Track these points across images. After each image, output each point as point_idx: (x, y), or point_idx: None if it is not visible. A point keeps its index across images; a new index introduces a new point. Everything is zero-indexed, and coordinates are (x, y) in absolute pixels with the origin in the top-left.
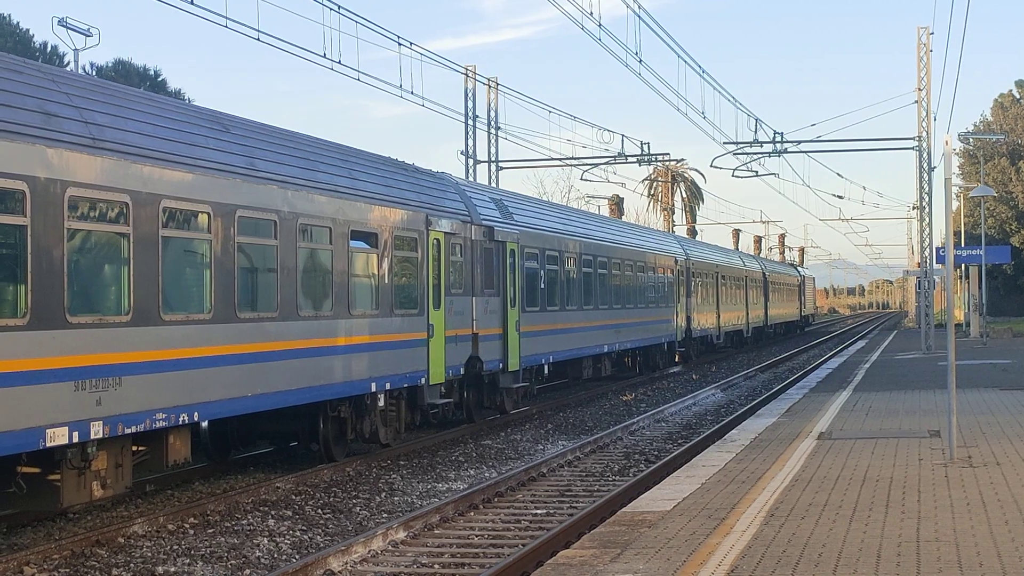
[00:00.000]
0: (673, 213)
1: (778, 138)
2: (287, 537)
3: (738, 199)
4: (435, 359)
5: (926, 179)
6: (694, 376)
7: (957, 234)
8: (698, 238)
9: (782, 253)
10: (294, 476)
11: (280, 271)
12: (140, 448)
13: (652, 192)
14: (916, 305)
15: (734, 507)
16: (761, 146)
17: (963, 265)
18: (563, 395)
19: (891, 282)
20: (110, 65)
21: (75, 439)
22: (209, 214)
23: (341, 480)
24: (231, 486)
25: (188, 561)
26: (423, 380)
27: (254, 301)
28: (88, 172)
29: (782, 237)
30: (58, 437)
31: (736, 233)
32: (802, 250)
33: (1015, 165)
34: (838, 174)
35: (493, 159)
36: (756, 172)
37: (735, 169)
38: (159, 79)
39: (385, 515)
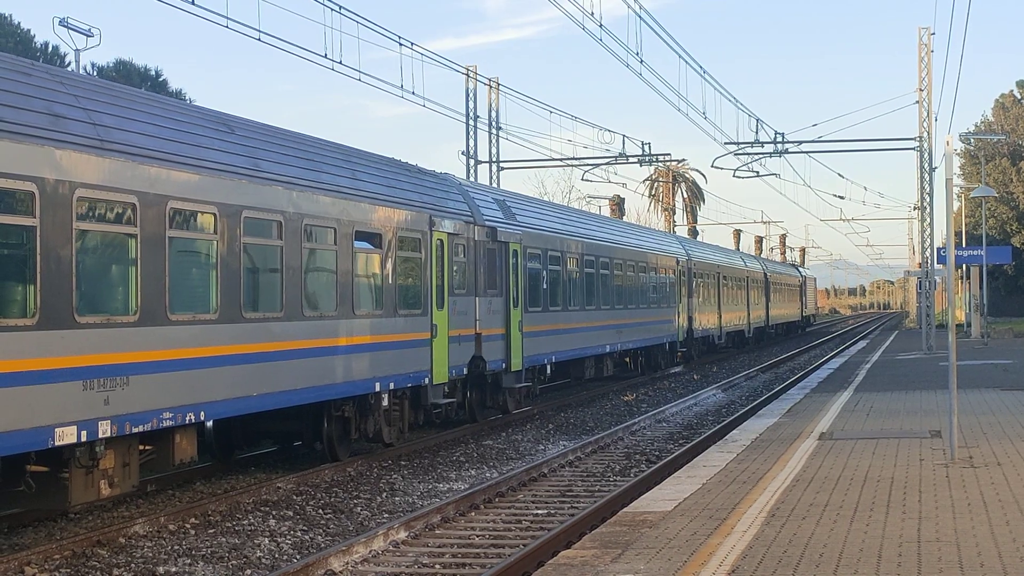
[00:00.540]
0: (674, 213)
1: (779, 138)
2: (288, 537)
3: (739, 199)
4: (438, 359)
5: (927, 179)
6: (695, 376)
7: (958, 234)
8: (699, 238)
9: (783, 253)
10: (295, 476)
11: (285, 271)
12: (146, 447)
13: (653, 192)
14: (917, 305)
15: (735, 507)
16: (762, 146)
17: (964, 265)
18: (564, 395)
19: (892, 282)
20: (111, 65)
21: (83, 438)
22: (215, 215)
23: (342, 480)
24: (232, 486)
25: (189, 561)
26: (426, 380)
27: (259, 301)
28: (96, 173)
29: (783, 237)
30: (67, 436)
31: (737, 233)
32: (803, 250)
33: (1016, 165)
34: (839, 174)
35: (494, 159)
36: (757, 172)
37: (736, 169)
38: (160, 79)
39: (386, 515)
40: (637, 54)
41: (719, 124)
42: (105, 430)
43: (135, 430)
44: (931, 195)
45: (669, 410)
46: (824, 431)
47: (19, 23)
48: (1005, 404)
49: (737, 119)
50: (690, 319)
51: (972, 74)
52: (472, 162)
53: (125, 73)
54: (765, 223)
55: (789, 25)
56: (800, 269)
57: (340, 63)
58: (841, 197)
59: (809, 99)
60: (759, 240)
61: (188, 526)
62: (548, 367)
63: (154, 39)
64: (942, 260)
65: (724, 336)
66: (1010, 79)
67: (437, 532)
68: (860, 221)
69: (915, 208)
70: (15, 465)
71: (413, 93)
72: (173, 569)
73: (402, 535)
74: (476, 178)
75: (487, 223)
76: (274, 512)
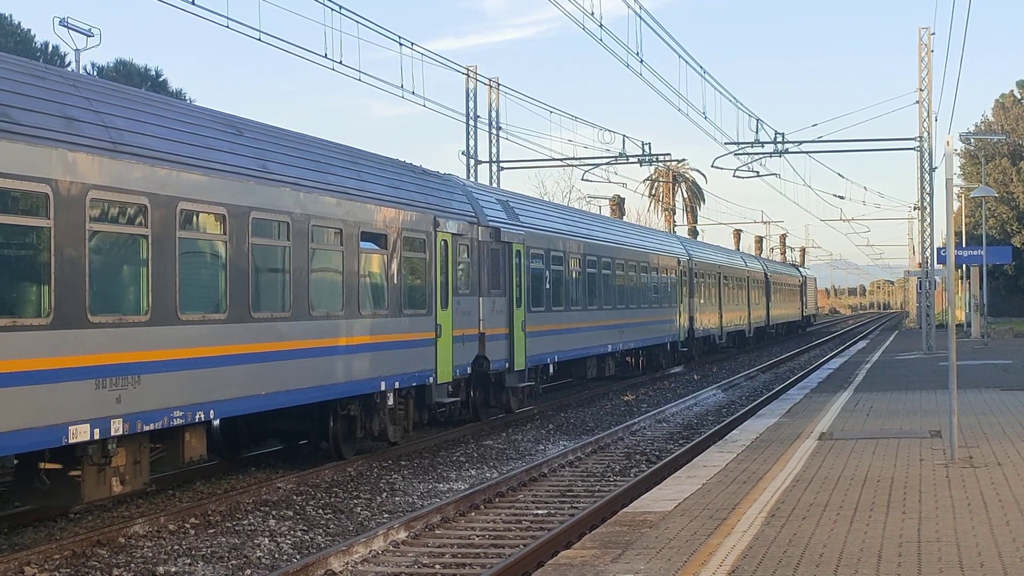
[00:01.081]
0: (674, 213)
1: (779, 138)
2: (288, 537)
3: (739, 199)
4: (443, 358)
5: (927, 179)
6: (695, 376)
7: (958, 234)
8: (699, 238)
9: (783, 253)
10: (295, 476)
11: (292, 272)
12: (156, 445)
13: (653, 192)
14: (917, 305)
15: (735, 507)
16: (762, 146)
17: (964, 265)
18: (564, 395)
19: (892, 282)
20: (111, 65)
21: (96, 436)
22: (224, 216)
23: (342, 480)
24: (232, 486)
25: (189, 561)
26: (431, 379)
27: (267, 301)
28: (108, 175)
29: (783, 237)
30: (80, 434)
31: (737, 233)
32: (803, 250)
33: (1016, 165)
34: (839, 174)
35: (494, 159)
36: (757, 172)
37: (736, 169)
38: (160, 79)
39: (386, 515)
40: (637, 54)
41: (719, 124)
42: (117, 428)
43: (146, 428)
44: (931, 195)
45: (669, 410)
46: (824, 431)
47: (19, 23)
48: (1005, 404)
49: (737, 119)
50: (691, 319)
51: (972, 74)
52: (472, 162)
53: (125, 73)
54: (765, 223)
55: (789, 25)
56: (800, 269)
57: (340, 63)
58: (841, 197)
59: (809, 99)
60: (759, 240)
61: (188, 526)
62: (551, 367)
63: (154, 39)
64: (942, 260)
65: (725, 336)
66: (1010, 79)
67: (437, 532)
68: (860, 221)
69: (915, 208)
70: (29, 462)
71: (413, 93)
72: (173, 569)
73: (402, 535)
74: (476, 178)
75: (491, 224)
76: (274, 512)
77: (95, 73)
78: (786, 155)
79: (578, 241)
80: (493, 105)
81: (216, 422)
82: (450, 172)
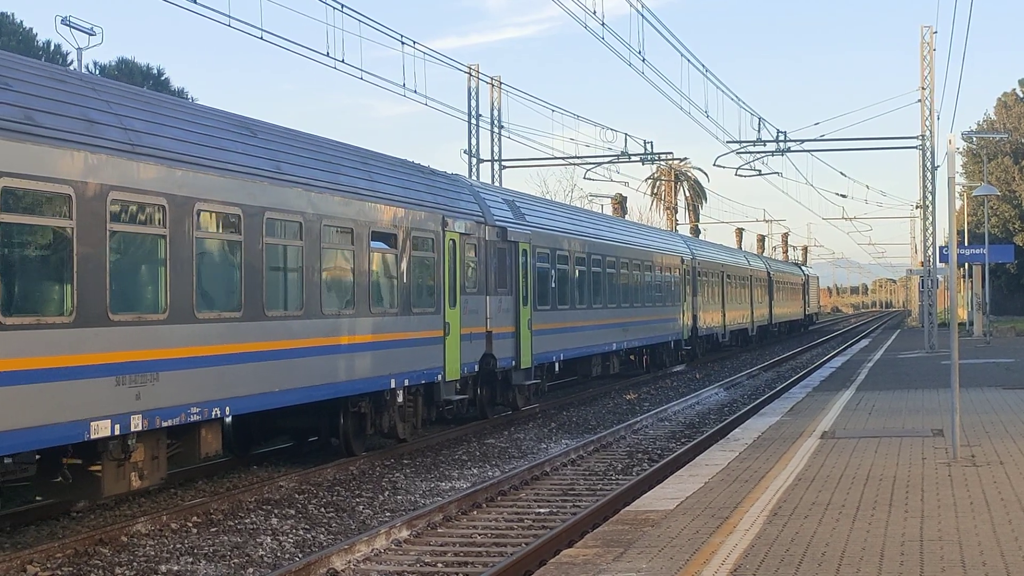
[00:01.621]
0: (676, 212)
1: (781, 137)
2: (290, 536)
3: (741, 198)
4: (451, 356)
5: (929, 178)
6: (698, 375)
7: (960, 233)
8: (701, 237)
9: (785, 252)
10: (297, 475)
11: (305, 271)
12: (171, 441)
13: (655, 191)
14: (919, 304)
15: (737, 506)
16: (764, 145)
17: (966, 264)
18: (566, 394)
19: (894, 281)
20: (113, 64)
21: (117, 431)
22: (239, 216)
23: (344, 479)
24: (234, 485)
25: (191, 560)
26: (440, 377)
27: (281, 300)
28: (128, 176)
29: (785, 236)
30: (101, 429)
31: (739, 232)
32: (805, 249)
33: (1018, 164)
34: (841, 173)
35: (496, 158)
36: (759, 171)
37: (738, 168)
38: (162, 78)
39: (388, 514)
40: (639, 53)
41: (721, 123)
42: (137, 424)
43: (165, 424)
44: (933, 194)
45: (671, 409)
46: (826, 430)
47: (21, 21)
48: (1007, 403)
49: (739, 118)
50: (695, 317)
51: (974, 72)
52: (474, 161)
53: (127, 72)
54: (767, 222)
55: (791, 24)
56: (803, 268)
57: (342, 62)
58: (843, 196)
59: (811, 98)
60: (761, 239)
61: (190, 525)
62: (556, 365)
63: (156, 38)
64: (944, 259)
65: (728, 334)
66: (1012, 77)
67: (439, 531)
68: (862, 220)
69: (917, 207)
70: (50, 458)
71: (415, 92)
72: (175, 568)
73: (404, 534)
74: (478, 177)
75: (497, 223)
76: (276, 511)
77: (97, 72)
78: (788, 154)
79: (583, 240)
80: (495, 104)
81: (229, 419)
82: (452, 171)
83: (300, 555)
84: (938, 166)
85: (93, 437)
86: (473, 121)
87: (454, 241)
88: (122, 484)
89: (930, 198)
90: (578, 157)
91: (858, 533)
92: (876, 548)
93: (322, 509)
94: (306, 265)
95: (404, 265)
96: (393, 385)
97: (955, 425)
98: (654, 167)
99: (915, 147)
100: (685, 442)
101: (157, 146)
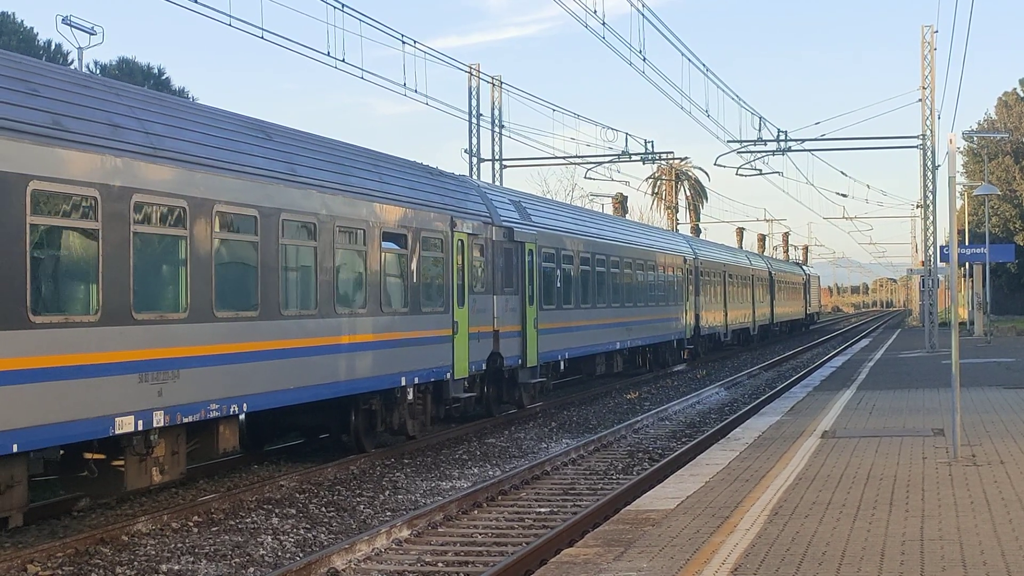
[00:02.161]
0: (677, 212)
1: (782, 136)
2: (291, 535)
3: (742, 197)
4: (459, 355)
5: (930, 177)
6: (699, 374)
7: (961, 232)
8: (702, 236)
9: (786, 252)
10: (298, 474)
11: (319, 271)
12: (189, 437)
13: (656, 190)
14: (920, 303)
15: (738, 505)
16: (765, 144)
17: (967, 263)
18: (566, 393)
19: (895, 280)
20: (114, 63)
21: (140, 427)
22: (256, 218)
23: (345, 478)
24: (235, 484)
25: (192, 559)
26: (448, 375)
27: (296, 299)
28: (151, 179)
29: (786, 235)
30: (125, 425)
31: (740, 232)
32: (806, 248)
33: (1019, 163)
34: (842, 172)
35: (497, 157)
36: (760, 170)
37: (739, 167)
38: (163, 77)
39: (389, 513)
40: (640, 52)
41: (722, 122)
42: (159, 420)
43: (185, 420)
44: (934, 193)
45: (672, 408)
46: (827, 429)
47: (22, 21)
48: (1008, 402)
49: (740, 117)
50: (697, 317)
51: (975, 72)
52: (475, 160)
53: (128, 71)
54: (768, 221)
55: (792, 23)
56: (804, 268)
57: (343, 61)
58: (844, 195)
59: (812, 97)
60: (762, 238)
61: (191, 524)
62: (561, 363)
63: (157, 37)
64: (945, 258)
65: (730, 333)
66: (1013, 77)
67: (440, 530)
68: (863, 219)
69: (918, 206)
70: (73, 453)
71: (416, 91)
72: (176, 567)
73: (405, 533)
74: (479, 176)
75: (504, 223)
76: (277, 510)
77: (98, 71)
78: (789, 153)
79: (588, 240)
80: (496, 103)
81: (242, 416)
82: (452, 170)
83: (301, 554)
84: (939, 165)
85: (117, 432)
86: (474, 120)
87: (462, 241)
88: (144, 479)
89: (931, 197)
90: (579, 157)
91: (859, 532)
92: (877, 547)
93: (323, 508)
94: (320, 265)
95: (414, 265)
96: (403, 383)
97: (956, 424)
98: (655, 167)
99: (916, 146)
100: (686, 441)
101: (178, 149)
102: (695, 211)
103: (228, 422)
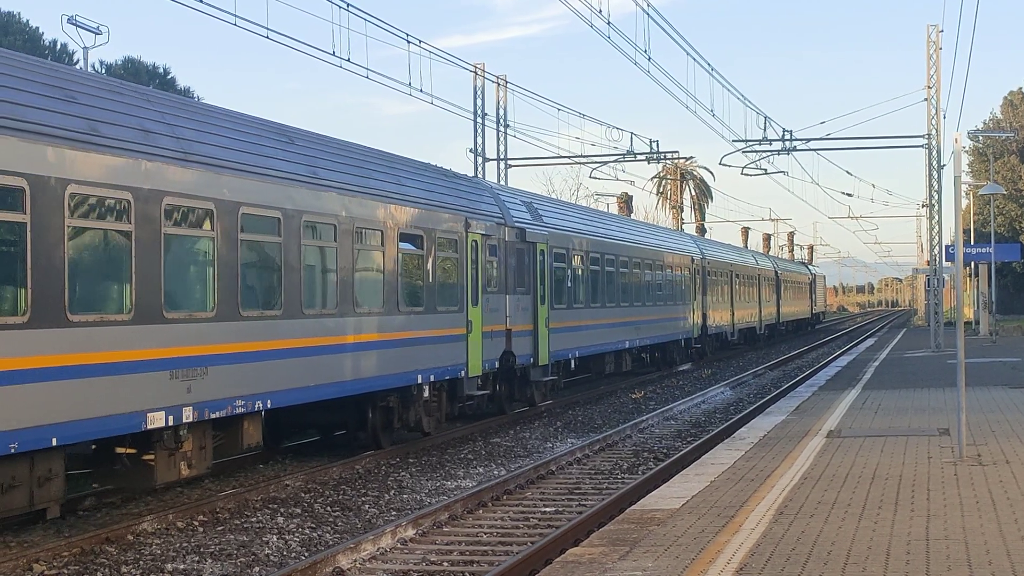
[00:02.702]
0: (682, 211)
1: (787, 136)
2: (296, 535)
3: (747, 197)
4: (473, 353)
5: (935, 177)
6: (704, 373)
7: (967, 232)
8: (707, 236)
9: (791, 251)
10: (303, 474)
11: (339, 271)
12: (215, 433)
13: (661, 190)
14: (925, 303)
15: (743, 505)
16: (770, 144)
17: (972, 263)
18: (571, 393)
19: (900, 280)
20: (119, 63)
21: (170, 422)
22: (280, 219)
23: (350, 478)
24: (240, 483)
25: (197, 559)
26: (463, 372)
27: (317, 299)
28: (181, 182)
29: (791, 235)
30: (156, 420)
31: (745, 231)
32: (811, 248)
33: None
34: (847, 172)
35: (502, 157)
36: (765, 170)
37: (744, 167)
38: (168, 77)
39: (394, 513)
40: (645, 51)
41: (727, 122)
42: (188, 416)
43: (213, 416)
44: (940, 192)
45: (677, 407)
46: (832, 429)
47: (27, 21)
48: (1014, 402)
49: (745, 117)
50: (704, 316)
51: (981, 71)
52: (480, 160)
53: (133, 71)
54: (773, 220)
55: (797, 23)
56: (810, 267)
57: (348, 60)
58: (849, 195)
59: (817, 97)
60: (767, 238)
61: (196, 523)
62: (572, 362)
63: (162, 37)
64: (951, 258)
65: (737, 333)
66: (1019, 76)
67: (445, 530)
68: (868, 219)
69: (923, 206)
70: (105, 447)
71: (421, 91)
72: (181, 566)
73: (410, 533)
74: (484, 175)
75: (516, 224)
76: (282, 510)
77: (103, 71)
78: (794, 152)
79: (597, 241)
80: (501, 103)
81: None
82: (457, 171)
83: (306, 554)
84: (944, 165)
85: (149, 427)
86: (479, 120)
87: (476, 242)
88: (172, 472)
89: (936, 197)
90: (584, 156)
91: (864, 532)
92: (882, 547)
93: (328, 508)
94: (340, 265)
95: (430, 265)
96: (420, 380)
97: (961, 424)
98: (660, 166)
99: (921, 146)
100: (691, 441)
101: (205, 153)
102: (700, 211)
103: (252, 418)
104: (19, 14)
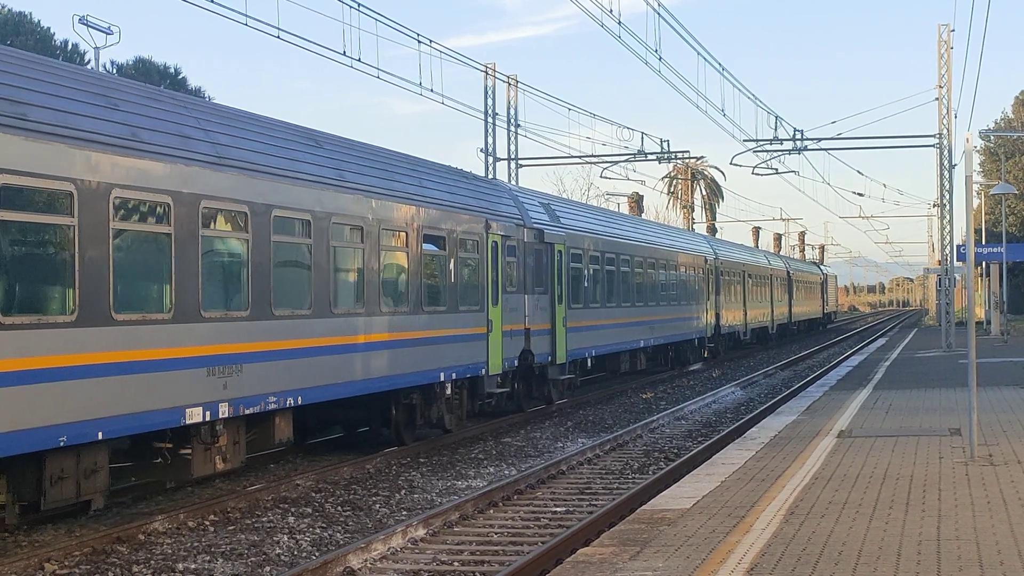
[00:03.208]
0: (693, 211)
1: (798, 135)
2: (307, 534)
3: (758, 196)
4: (493, 352)
5: (947, 176)
6: (714, 373)
7: (978, 232)
8: (718, 236)
9: (802, 251)
10: (314, 473)
11: (366, 271)
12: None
13: (672, 190)
14: (936, 303)
15: (754, 505)
16: (781, 143)
17: (984, 263)
18: (581, 393)
19: (911, 280)
20: (131, 63)
21: (207, 418)
22: (310, 222)
23: (361, 477)
24: (251, 483)
25: (208, 558)
26: (483, 371)
27: (345, 298)
28: (216, 186)
29: (802, 235)
30: (195, 416)
31: (756, 231)
32: (822, 247)
33: None
34: (858, 171)
35: (512, 156)
36: (776, 170)
37: (755, 167)
38: (179, 77)
39: (405, 512)
40: (656, 51)
41: (738, 121)
42: (224, 411)
43: (247, 412)
44: (951, 192)
45: (688, 407)
46: (843, 429)
47: (39, 21)
48: None
49: (756, 116)
50: (718, 316)
51: (992, 71)
52: (491, 159)
53: (144, 71)
54: (784, 220)
55: (808, 22)
56: (821, 267)
57: (359, 60)
58: (860, 194)
59: (828, 96)
60: (778, 237)
61: (207, 523)
62: (588, 360)
63: (173, 37)
64: (962, 257)
65: (749, 332)
66: None
67: (456, 529)
68: (879, 218)
69: (934, 205)
70: (142, 442)
71: (432, 91)
72: (192, 566)
73: (421, 532)
74: (495, 175)
75: (535, 225)
76: (293, 509)
77: (114, 71)
78: (805, 152)
79: (613, 241)
80: (511, 102)
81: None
82: (468, 169)
83: (317, 554)
84: (955, 164)
85: (188, 422)
86: (490, 120)
87: (496, 243)
88: (208, 467)
89: (947, 196)
90: (594, 156)
91: (875, 532)
92: (893, 547)
93: (339, 508)
94: (367, 266)
95: (452, 265)
96: (442, 378)
97: (972, 424)
98: (671, 166)
99: (932, 145)
100: (701, 441)
101: (240, 158)
102: (711, 210)
103: (283, 414)
104: (30, 14)
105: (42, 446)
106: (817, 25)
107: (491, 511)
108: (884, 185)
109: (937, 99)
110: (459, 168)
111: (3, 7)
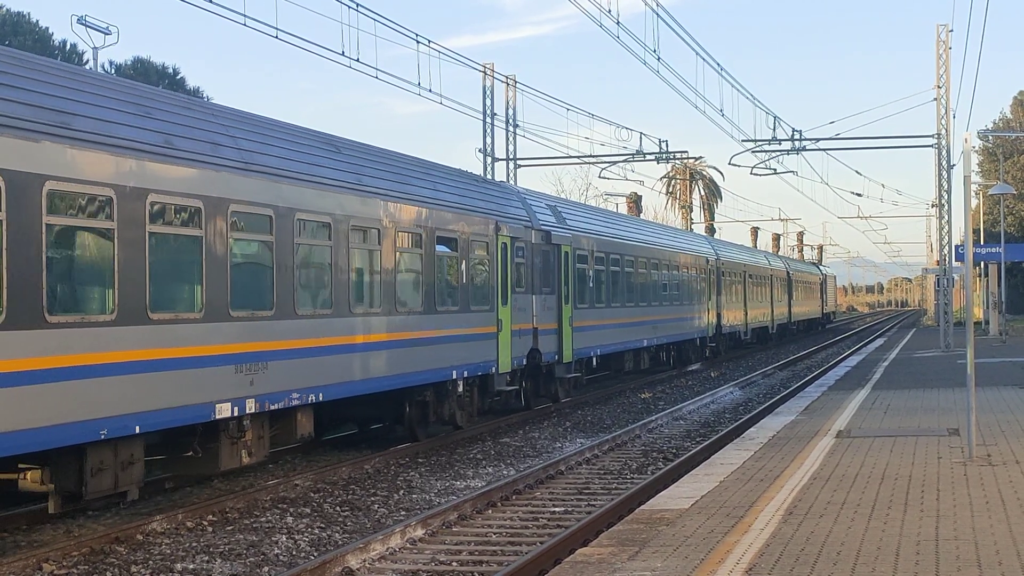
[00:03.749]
0: (691, 211)
1: (796, 136)
2: (305, 534)
3: (756, 196)
4: (503, 350)
5: (945, 177)
6: (713, 373)
7: (976, 232)
8: (716, 236)
9: (800, 251)
10: (313, 473)
11: (383, 272)
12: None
13: (670, 190)
14: (935, 303)
15: (752, 505)
16: (779, 144)
17: (982, 263)
18: (580, 393)
19: (910, 280)
20: (129, 63)
21: (235, 413)
22: (330, 224)
23: (359, 478)
24: (250, 483)
25: (207, 558)
26: (493, 369)
27: (363, 298)
28: (244, 191)
29: (800, 235)
30: (224, 411)
31: (754, 231)
32: (821, 248)
33: None
34: (857, 171)
35: (511, 157)
36: (774, 170)
37: (753, 167)
38: (177, 77)
39: (403, 513)
40: (654, 51)
41: (736, 121)
42: (251, 407)
43: (272, 407)
44: (949, 192)
45: (687, 407)
46: (842, 429)
47: (37, 21)
48: (1023, 402)
49: (754, 116)
50: (719, 316)
51: (990, 71)
52: (489, 160)
53: (143, 71)
54: (783, 220)
55: (807, 22)
56: (821, 268)
57: (357, 60)
58: (859, 194)
59: (826, 96)
60: (776, 238)
61: (206, 523)
62: (594, 359)
63: (172, 37)
64: (960, 257)
65: (749, 332)
66: None
67: (454, 530)
68: (878, 218)
69: (933, 205)
70: (170, 436)
71: (431, 91)
72: (191, 566)
73: (419, 532)
74: (493, 175)
75: (542, 227)
76: (292, 509)
77: (112, 71)
78: (803, 152)
79: (618, 243)
80: (510, 102)
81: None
82: (467, 169)
83: (315, 554)
84: (954, 165)
85: (217, 417)
86: (488, 120)
87: (505, 244)
88: (235, 460)
89: (946, 197)
90: (593, 156)
91: (873, 532)
92: (891, 547)
93: (337, 508)
94: (383, 267)
95: (464, 266)
96: (454, 376)
97: (971, 424)
98: (669, 166)
99: (931, 146)
100: (700, 441)
101: (265, 163)
102: (709, 210)
103: (305, 410)
104: (29, 14)
105: (84, 439)
106: (816, 25)
107: (490, 511)
108: (883, 185)
109: (936, 99)
110: (469, 171)
111: (1, 7)
